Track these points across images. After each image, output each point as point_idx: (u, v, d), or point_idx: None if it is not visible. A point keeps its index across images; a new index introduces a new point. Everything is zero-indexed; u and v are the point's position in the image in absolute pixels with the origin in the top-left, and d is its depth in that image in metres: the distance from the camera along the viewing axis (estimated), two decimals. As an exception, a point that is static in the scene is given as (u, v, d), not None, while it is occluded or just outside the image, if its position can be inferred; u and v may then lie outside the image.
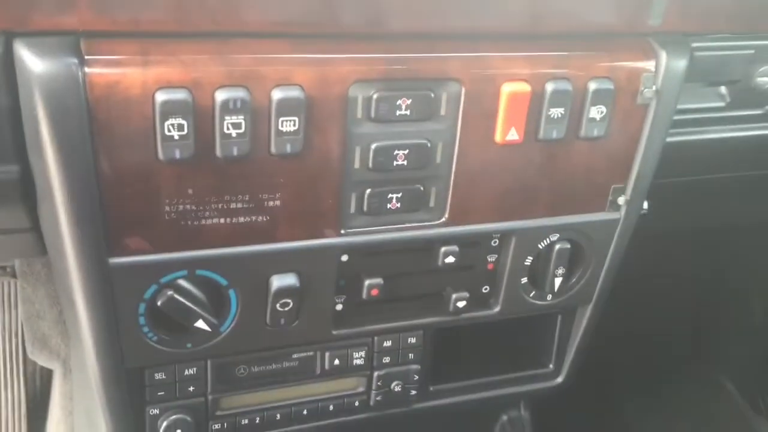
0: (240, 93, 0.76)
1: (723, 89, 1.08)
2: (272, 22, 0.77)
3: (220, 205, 0.82)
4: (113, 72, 0.73)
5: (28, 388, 1.71)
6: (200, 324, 0.87)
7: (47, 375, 1.66)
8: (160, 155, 0.76)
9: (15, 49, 0.72)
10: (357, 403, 1.08)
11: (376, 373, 1.06)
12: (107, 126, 0.74)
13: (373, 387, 1.07)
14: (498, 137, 0.89)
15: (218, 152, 0.78)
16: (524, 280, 1.04)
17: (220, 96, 0.76)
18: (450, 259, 0.97)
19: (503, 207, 0.96)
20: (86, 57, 0.72)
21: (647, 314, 1.86)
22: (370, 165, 0.86)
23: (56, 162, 0.74)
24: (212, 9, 0.75)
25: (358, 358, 1.03)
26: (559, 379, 1.22)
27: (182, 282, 0.85)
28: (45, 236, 0.92)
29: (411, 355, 1.06)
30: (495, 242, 1.00)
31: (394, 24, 0.82)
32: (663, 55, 0.93)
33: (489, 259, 1.01)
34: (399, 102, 0.84)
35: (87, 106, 0.73)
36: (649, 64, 0.93)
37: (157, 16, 0.73)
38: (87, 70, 0.72)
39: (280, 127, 0.79)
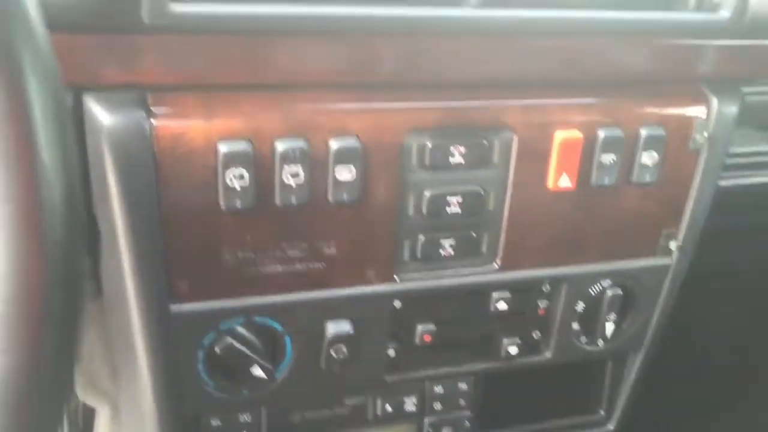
0: (299, 143, 0.78)
1: (774, 133, 1.08)
2: (329, 73, 0.79)
3: (277, 253, 0.84)
4: (178, 124, 0.75)
5: (71, 428, 1.72)
6: (256, 371, 0.88)
7: (90, 414, 1.68)
8: (222, 204, 0.78)
9: (84, 102, 0.74)
10: None
11: (427, 420, 1.05)
12: (172, 176, 0.76)
13: None
14: (550, 184, 0.90)
15: (277, 201, 0.80)
16: (575, 325, 1.03)
17: (280, 146, 0.78)
18: (502, 305, 0.97)
19: (555, 253, 0.96)
20: (153, 110, 0.74)
21: (700, 357, 1.83)
22: (424, 212, 0.87)
23: (122, 210, 0.76)
24: (272, 63, 0.77)
25: (410, 404, 1.03)
26: (611, 426, 1.21)
27: (240, 328, 0.86)
28: (103, 280, 0.94)
29: (462, 401, 1.06)
30: (546, 288, 1.00)
31: (447, 73, 0.83)
32: (714, 102, 0.93)
33: (540, 305, 1.01)
34: (453, 150, 0.86)
35: (153, 157, 0.75)
36: (701, 111, 0.93)
37: (220, 70, 0.76)
38: (154, 122, 0.74)
39: (337, 176, 0.81)
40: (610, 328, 1.04)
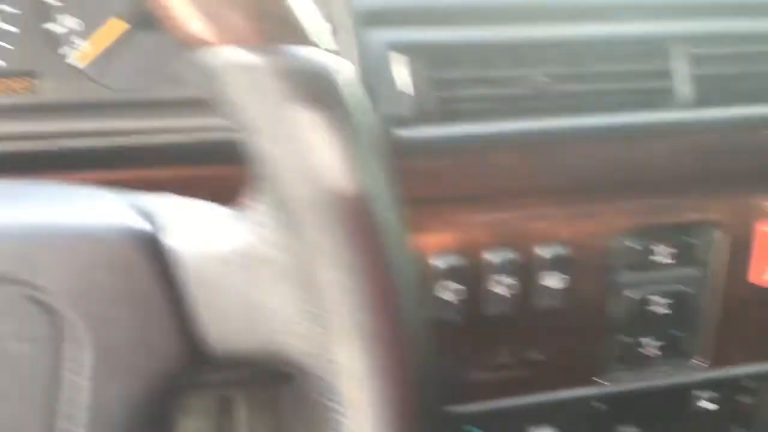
0: (507, 253, 0.78)
1: None
2: (535, 181, 0.79)
3: (484, 360, 0.83)
4: (393, 241, 0.76)
5: None
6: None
7: None
8: (434, 317, 0.78)
9: None
10: None
11: None
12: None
13: None
14: (757, 278, 0.86)
15: (487, 311, 0.79)
16: (784, 422, 0.98)
17: (490, 257, 0.78)
18: (707, 404, 0.92)
19: (761, 348, 0.92)
20: None
21: None
22: (629, 313, 0.85)
23: None
24: (477, 175, 0.77)
25: None
26: None
27: (446, 439, 0.86)
28: None
29: None
30: (752, 384, 0.95)
31: (651, 172, 0.82)
32: None
33: (746, 402, 0.96)
34: (657, 249, 0.84)
35: None
36: None
37: (429, 186, 0.77)
38: None
39: (546, 284, 0.80)
40: (820, 422, 0.98)
